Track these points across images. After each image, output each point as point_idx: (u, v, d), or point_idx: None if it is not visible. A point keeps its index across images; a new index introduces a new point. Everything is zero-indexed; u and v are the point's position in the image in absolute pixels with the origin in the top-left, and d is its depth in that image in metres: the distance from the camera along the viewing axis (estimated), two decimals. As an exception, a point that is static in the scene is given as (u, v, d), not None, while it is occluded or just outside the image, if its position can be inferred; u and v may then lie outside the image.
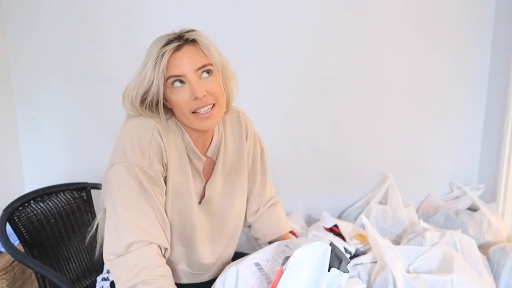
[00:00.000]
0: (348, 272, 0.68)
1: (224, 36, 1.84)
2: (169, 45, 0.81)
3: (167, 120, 0.90)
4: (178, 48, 0.82)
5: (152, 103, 0.86)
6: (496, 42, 2.17)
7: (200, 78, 0.84)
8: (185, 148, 0.91)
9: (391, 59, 2.10)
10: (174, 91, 0.83)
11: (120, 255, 0.78)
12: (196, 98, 0.81)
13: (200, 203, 0.96)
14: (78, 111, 1.82)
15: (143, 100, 0.86)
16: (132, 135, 0.84)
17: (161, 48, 0.81)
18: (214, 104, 0.85)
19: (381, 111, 2.14)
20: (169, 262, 0.93)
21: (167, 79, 0.83)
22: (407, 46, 2.11)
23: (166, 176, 0.88)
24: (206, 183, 0.96)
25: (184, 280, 1.02)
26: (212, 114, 0.84)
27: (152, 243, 0.80)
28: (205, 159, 0.93)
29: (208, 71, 0.85)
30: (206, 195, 0.96)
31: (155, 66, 0.81)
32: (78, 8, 1.71)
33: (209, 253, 1.00)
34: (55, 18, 1.71)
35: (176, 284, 0.84)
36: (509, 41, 2.08)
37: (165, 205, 0.88)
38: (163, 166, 0.86)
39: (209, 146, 0.95)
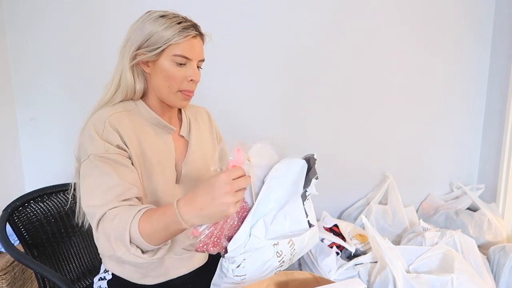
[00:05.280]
0: (317, 177, 0.85)
1: (225, 35, 1.86)
2: (192, 30, 0.96)
3: (135, 102, 1.00)
4: (195, 36, 0.97)
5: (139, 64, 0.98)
6: (496, 42, 2.17)
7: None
8: (154, 125, 1.00)
9: (390, 59, 2.10)
10: (175, 67, 0.96)
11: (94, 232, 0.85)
12: (191, 80, 0.97)
13: (177, 182, 1.02)
14: (78, 111, 1.81)
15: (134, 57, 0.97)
16: (89, 132, 0.92)
17: (185, 29, 0.94)
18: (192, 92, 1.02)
19: (381, 112, 2.14)
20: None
21: (175, 55, 0.95)
22: (407, 47, 2.11)
23: (131, 158, 0.94)
24: (182, 162, 1.04)
25: (175, 272, 1.04)
26: (191, 97, 1.01)
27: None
28: (175, 128, 1.04)
29: (201, 65, 1.03)
30: (183, 173, 1.03)
31: (178, 33, 0.93)
32: (78, 9, 1.72)
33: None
34: (55, 19, 1.71)
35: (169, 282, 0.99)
36: (509, 42, 2.08)
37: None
38: (123, 149, 0.92)
39: (180, 127, 1.08)
